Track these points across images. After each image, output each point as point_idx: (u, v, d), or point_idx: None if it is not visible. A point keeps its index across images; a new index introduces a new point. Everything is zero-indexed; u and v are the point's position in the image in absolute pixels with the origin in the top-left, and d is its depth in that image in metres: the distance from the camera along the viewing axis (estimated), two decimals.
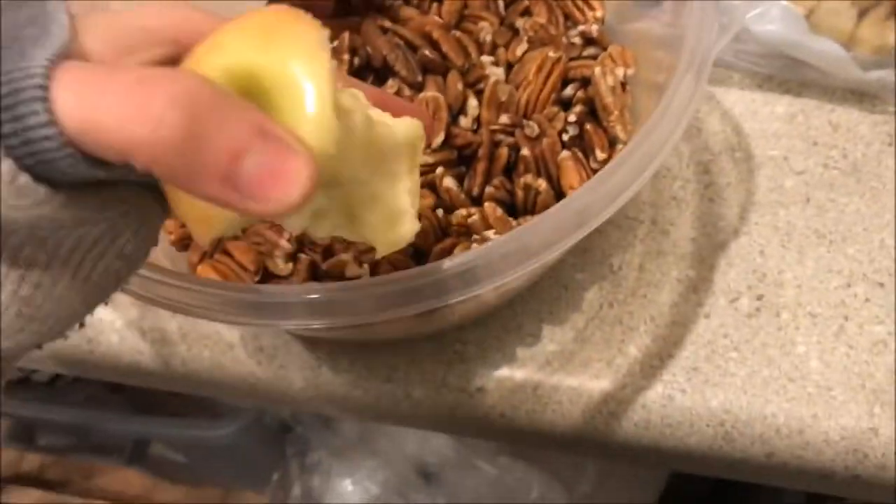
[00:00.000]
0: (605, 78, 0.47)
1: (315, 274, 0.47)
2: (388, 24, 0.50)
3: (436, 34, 0.49)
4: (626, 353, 0.49)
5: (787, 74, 0.57)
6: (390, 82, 0.49)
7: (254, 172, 0.22)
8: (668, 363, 0.49)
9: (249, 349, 0.52)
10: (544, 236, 0.35)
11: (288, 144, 0.22)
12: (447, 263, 0.35)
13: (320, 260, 0.47)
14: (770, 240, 0.52)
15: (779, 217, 0.53)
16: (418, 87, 0.49)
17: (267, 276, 0.46)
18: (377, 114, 0.29)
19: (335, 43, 0.50)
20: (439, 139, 0.47)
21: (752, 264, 0.51)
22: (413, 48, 0.50)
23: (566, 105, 0.50)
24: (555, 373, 0.49)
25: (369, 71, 0.50)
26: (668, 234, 0.53)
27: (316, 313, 0.35)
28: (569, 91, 0.50)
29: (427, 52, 0.49)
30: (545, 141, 0.46)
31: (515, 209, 0.47)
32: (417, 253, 0.47)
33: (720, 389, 0.48)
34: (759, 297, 0.50)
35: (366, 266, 0.46)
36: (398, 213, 0.30)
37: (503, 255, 0.34)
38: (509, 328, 0.50)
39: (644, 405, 0.48)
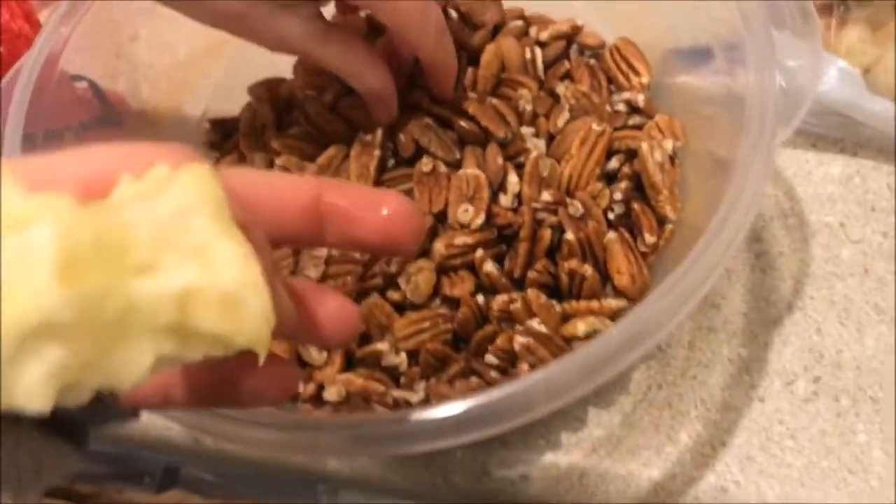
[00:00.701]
0: (653, 153, 0.44)
1: (350, 362, 0.45)
2: (424, 100, 0.48)
3: (472, 109, 0.47)
4: (676, 439, 0.47)
5: (841, 133, 0.55)
6: (425, 159, 0.47)
7: None
8: (720, 451, 0.46)
9: None
10: (610, 353, 0.32)
11: None
12: (523, 384, 0.32)
13: (355, 348, 0.45)
14: (826, 316, 0.49)
15: (835, 290, 0.50)
16: (457, 165, 0.47)
17: (301, 364, 0.45)
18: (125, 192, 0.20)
19: (368, 137, 0.48)
20: (479, 219, 0.45)
21: (808, 342, 0.49)
22: (448, 124, 0.48)
23: (610, 177, 0.48)
24: (602, 460, 0.47)
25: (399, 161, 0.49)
26: (718, 307, 0.50)
27: (390, 443, 0.33)
28: (613, 163, 0.47)
29: (464, 124, 0.47)
30: (591, 224, 0.43)
31: (559, 292, 0.45)
32: (457, 339, 0.45)
33: (776, 481, 0.45)
34: (817, 380, 0.48)
35: (403, 354, 0.44)
36: (226, 297, 0.20)
37: (566, 374, 0.32)
38: (554, 411, 0.48)
39: (696, 497, 0.45)
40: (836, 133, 0.55)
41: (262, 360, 0.21)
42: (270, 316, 0.20)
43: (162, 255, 0.19)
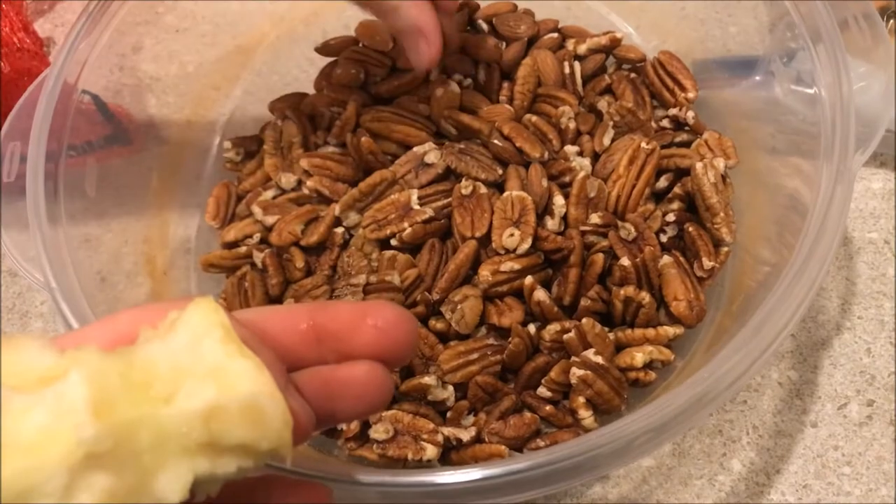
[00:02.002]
0: (707, 174, 0.43)
1: (394, 396, 0.43)
2: (453, 115, 0.46)
3: (506, 129, 0.45)
4: (729, 467, 0.45)
5: (881, 147, 0.53)
6: (464, 182, 0.45)
7: None
8: (775, 479, 0.45)
9: None
10: (692, 400, 0.31)
11: None
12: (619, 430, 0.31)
13: (398, 381, 0.42)
14: (876, 336, 0.48)
15: (884, 310, 0.49)
16: (498, 184, 0.45)
17: None
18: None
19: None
20: (526, 244, 0.42)
21: (858, 364, 0.47)
22: (484, 143, 0.46)
23: (657, 196, 0.46)
24: (653, 492, 0.45)
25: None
26: None
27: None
28: (662, 182, 0.46)
29: (498, 143, 0.45)
30: (647, 250, 0.42)
31: (611, 320, 0.43)
32: (507, 371, 0.43)
33: None
34: (870, 403, 0.46)
35: (450, 388, 0.42)
36: (246, 407, 0.22)
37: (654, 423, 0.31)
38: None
39: None
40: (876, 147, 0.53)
41: (288, 461, 0.22)
42: (289, 418, 0.22)
43: (182, 382, 0.21)
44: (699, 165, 0.43)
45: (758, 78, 0.51)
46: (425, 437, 0.40)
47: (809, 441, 0.46)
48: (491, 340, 0.43)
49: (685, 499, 0.45)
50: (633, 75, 0.49)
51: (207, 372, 0.21)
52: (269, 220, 0.47)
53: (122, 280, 0.49)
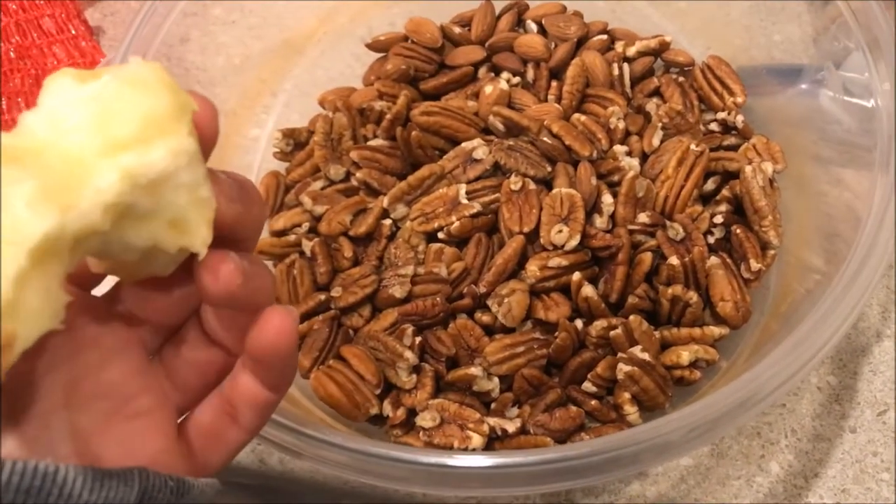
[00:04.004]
0: (756, 177, 0.43)
1: (439, 385, 0.43)
2: (502, 112, 0.47)
3: (555, 128, 0.46)
4: (767, 469, 0.46)
5: None
6: (513, 177, 0.45)
7: None
8: (813, 483, 0.45)
9: None
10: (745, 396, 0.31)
11: None
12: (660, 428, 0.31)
13: (444, 371, 0.43)
14: None
15: None
16: (547, 182, 0.46)
17: (388, 387, 0.43)
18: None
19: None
20: (575, 241, 0.43)
21: None
22: (532, 140, 0.46)
23: (704, 198, 0.47)
24: (690, 490, 0.45)
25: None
26: None
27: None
28: (709, 185, 0.46)
29: (548, 140, 0.46)
30: (696, 250, 0.42)
31: (656, 318, 0.44)
32: (552, 365, 0.43)
33: None
34: None
35: (496, 379, 0.42)
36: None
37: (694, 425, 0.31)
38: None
39: None
40: None
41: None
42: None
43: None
44: (749, 168, 0.43)
45: (804, 86, 0.51)
46: (471, 426, 0.41)
47: (848, 446, 0.46)
48: (537, 334, 0.43)
49: (723, 498, 0.45)
50: (681, 79, 0.50)
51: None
52: (318, 209, 0.47)
53: None
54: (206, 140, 0.24)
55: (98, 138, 0.21)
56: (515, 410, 0.43)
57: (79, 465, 0.22)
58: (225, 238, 0.25)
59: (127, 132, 0.22)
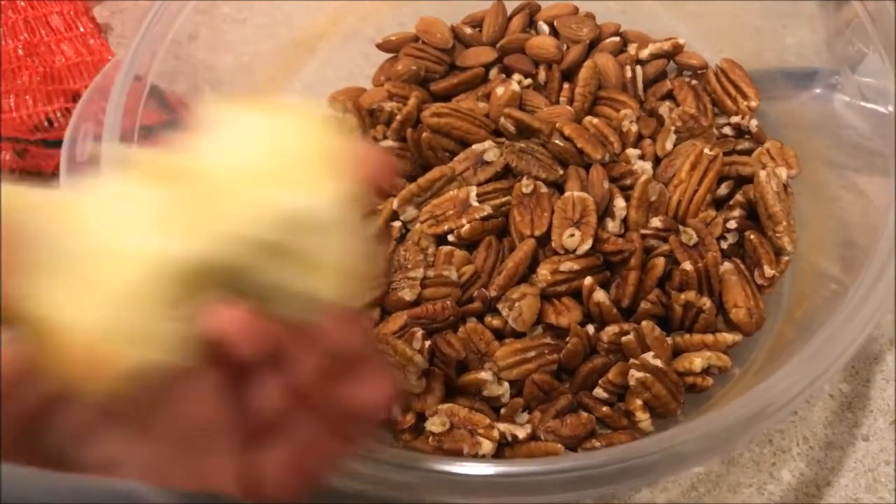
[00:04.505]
0: (770, 182, 0.43)
1: (448, 390, 0.43)
2: (513, 114, 0.46)
3: (567, 130, 0.45)
4: (779, 477, 0.45)
5: None
6: (525, 180, 0.45)
7: None
8: (825, 492, 0.45)
9: None
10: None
11: None
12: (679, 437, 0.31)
13: (454, 375, 0.43)
14: None
15: None
16: (558, 184, 0.45)
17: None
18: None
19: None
20: (587, 245, 0.43)
21: None
22: (543, 143, 0.46)
23: (717, 203, 0.46)
24: (701, 498, 0.45)
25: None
26: None
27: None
28: (722, 189, 0.46)
29: (559, 143, 0.46)
30: (709, 255, 0.42)
31: (669, 324, 0.43)
32: (563, 370, 0.43)
33: None
34: None
35: (506, 384, 0.42)
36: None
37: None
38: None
39: None
40: None
41: None
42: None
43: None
44: (763, 173, 0.43)
45: (818, 90, 0.51)
46: (481, 431, 0.40)
47: (861, 454, 0.46)
48: (548, 339, 0.43)
49: None
50: (694, 82, 0.49)
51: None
52: None
53: None
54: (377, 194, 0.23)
55: (257, 173, 0.21)
56: (525, 416, 0.42)
57: (159, 488, 0.21)
58: None
59: (287, 171, 0.21)
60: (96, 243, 0.19)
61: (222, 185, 0.21)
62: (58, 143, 0.45)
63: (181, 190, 0.20)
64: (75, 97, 0.55)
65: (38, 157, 0.54)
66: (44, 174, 0.55)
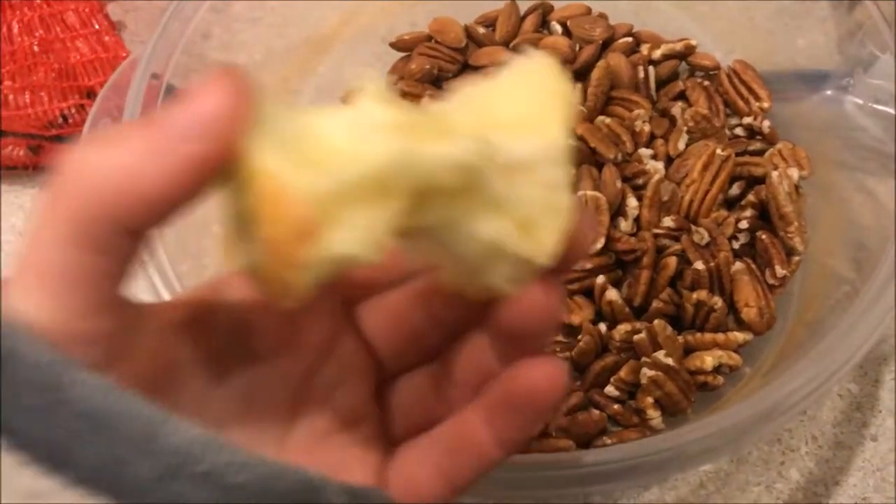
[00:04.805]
0: (782, 183, 0.43)
1: None
2: None
3: (580, 130, 0.46)
4: (787, 476, 0.45)
5: None
6: None
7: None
8: (833, 491, 0.45)
9: None
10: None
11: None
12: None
13: None
14: None
15: None
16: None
17: None
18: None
19: None
20: (599, 244, 0.43)
21: None
22: None
23: (729, 203, 0.47)
24: (710, 496, 0.45)
25: None
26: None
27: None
28: (734, 190, 0.46)
29: (572, 142, 0.46)
30: (721, 255, 0.42)
31: (680, 323, 0.43)
32: (574, 368, 0.43)
33: None
34: None
35: None
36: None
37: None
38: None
39: None
40: None
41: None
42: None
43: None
44: (775, 174, 0.43)
45: (829, 93, 0.51)
46: None
47: (869, 454, 0.46)
48: (560, 337, 0.43)
49: None
50: (706, 83, 0.50)
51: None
52: None
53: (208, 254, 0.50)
54: (577, 251, 0.22)
55: (471, 116, 0.20)
56: None
57: (340, 482, 0.20)
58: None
59: (500, 115, 0.20)
60: (325, 131, 0.19)
61: (454, 121, 0.20)
62: (72, 140, 0.46)
63: (415, 114, 0.20)
64: (90, 94, 0.56)
65: (52, 153, 0.55)
66: None
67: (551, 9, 0.54)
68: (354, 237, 0.19)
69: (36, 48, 0.56)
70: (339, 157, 0.19)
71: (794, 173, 0.44)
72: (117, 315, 0.19)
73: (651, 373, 0.40)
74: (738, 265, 0.42)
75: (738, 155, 0.46)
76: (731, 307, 0.43)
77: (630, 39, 0.52)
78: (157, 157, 0.18)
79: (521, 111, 0.21)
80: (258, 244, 0.19)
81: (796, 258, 0.43)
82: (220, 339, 0.23)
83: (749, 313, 0.42)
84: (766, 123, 0.47)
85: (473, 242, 0.21)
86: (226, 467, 0.17)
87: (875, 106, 0.47)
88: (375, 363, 0.25)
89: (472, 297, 0.22)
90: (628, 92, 0.49)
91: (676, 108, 0.48)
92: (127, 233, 0.18)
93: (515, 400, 0.22)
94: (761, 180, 0.45)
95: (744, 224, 0.44)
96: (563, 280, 0.22)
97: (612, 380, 0.41)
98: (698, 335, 0.42)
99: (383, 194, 0.19)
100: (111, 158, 0.18)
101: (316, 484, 0.19)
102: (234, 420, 0.22)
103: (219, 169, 0.18)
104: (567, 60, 0.51)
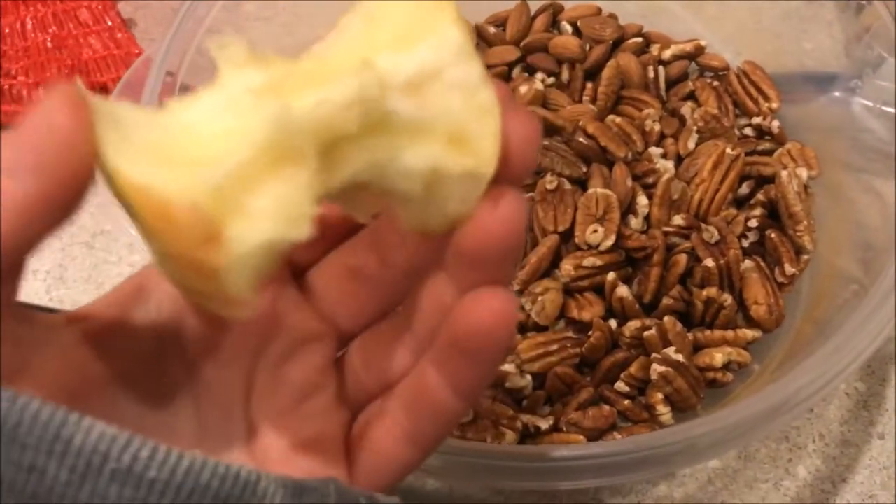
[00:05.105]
0: (792, 182, 0.43)
1: None
2: (538, 112, 0.47)
3: (591, 128, 0.46)
4: (795, 473, 0.46)
5: None
6: (549, 177, 0.45)
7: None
8: (841, 488, 0.45)
9: None
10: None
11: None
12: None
13: None
14: None
15: None
16: (582, 182, 0.46)
17: None
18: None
19: None
20: (610, 241, 0.43)
21: None
22: (566, 140, 0.47)
23: (738, 202, 0.47)
24: (717, 493, 0.45)
25: None
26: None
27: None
28: (743, 189, 0.46)
29: (583, 140, 0.46)
30: (731, 253, 0.42)
31: (689, 320, 0.44)
32: (585, 364, 0.44)
33: None
34: None
35: (528, 377, 0.43)
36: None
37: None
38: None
39: None
40: None
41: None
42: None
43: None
44: (784, 173, 0.43)
45: (837, 94, 0.51)
46: (504, 422, 0.41)
47: (876, 452, 0.46)
48: (570, 333, 0.43)
49: (750, 501, 0.45)
50: (715, 83, 0.50)
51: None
52: None
53: None
54: (518, 166, 0.19)
55: (354, 49, 0.19)
56: (547, 408, 0.43)
57: (277, 475, 0.19)
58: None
59: (381, 36, 0.18)
60: (192, 122, 0.17)
61: (334, 61, 0.18)
62: None
63: (288, 67, 0.18)
64: (102, 90, 0.56)
65: None
66: None
67: (562, 9, 0.54)
68: (270, 219, 0.17)
69: (49, 44, 0.57)
70: (215, 142, 0.17)
71: (804, 173, 0.44)
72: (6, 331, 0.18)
73: (661, 369, 0.40)
74: (747, 263, 0.43)
75: (747, 154, 0.47)
76: (741, 304, 0.43)
77: (640, 40, 0.52)
78: None
79: (402, 22, 0.19)
80: (169, 263, 0.17)
81: (805, 257, 0.44)
82: (146, 344, 0.22)
83: (758, 311, 0.42)
84: (776, 123, 0.47)
85: (410, 176, 0.19)
86: (146, 463, 0.17)
87: (882, 108, 0.48)
88: (331, 328, 0.24)
89: (436, 233, 0.20)
90: (639, 92, 0.50)
91: (686, 108, 0.48)
92: None
93: (461, 340, 0.20)
94: (770, 180, 0.45)
95: (753, 223, 0.44)
96: (518, 186, 0.20)
97: (622, 376, 0.42)
98: (708, 332, 0.43)
99: (282, 163, 0.17)
100: None
101: (245, 478, 0.18)
102: (188, 426, 0.22)
103: (66, 203, 0.17)
104: (577, 60, 0.51)
